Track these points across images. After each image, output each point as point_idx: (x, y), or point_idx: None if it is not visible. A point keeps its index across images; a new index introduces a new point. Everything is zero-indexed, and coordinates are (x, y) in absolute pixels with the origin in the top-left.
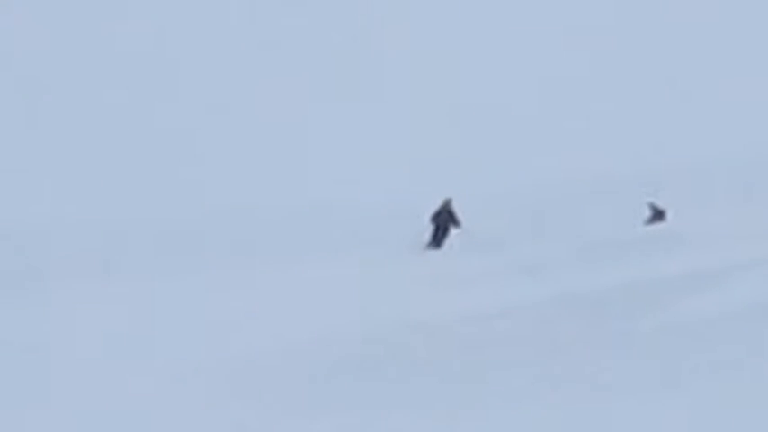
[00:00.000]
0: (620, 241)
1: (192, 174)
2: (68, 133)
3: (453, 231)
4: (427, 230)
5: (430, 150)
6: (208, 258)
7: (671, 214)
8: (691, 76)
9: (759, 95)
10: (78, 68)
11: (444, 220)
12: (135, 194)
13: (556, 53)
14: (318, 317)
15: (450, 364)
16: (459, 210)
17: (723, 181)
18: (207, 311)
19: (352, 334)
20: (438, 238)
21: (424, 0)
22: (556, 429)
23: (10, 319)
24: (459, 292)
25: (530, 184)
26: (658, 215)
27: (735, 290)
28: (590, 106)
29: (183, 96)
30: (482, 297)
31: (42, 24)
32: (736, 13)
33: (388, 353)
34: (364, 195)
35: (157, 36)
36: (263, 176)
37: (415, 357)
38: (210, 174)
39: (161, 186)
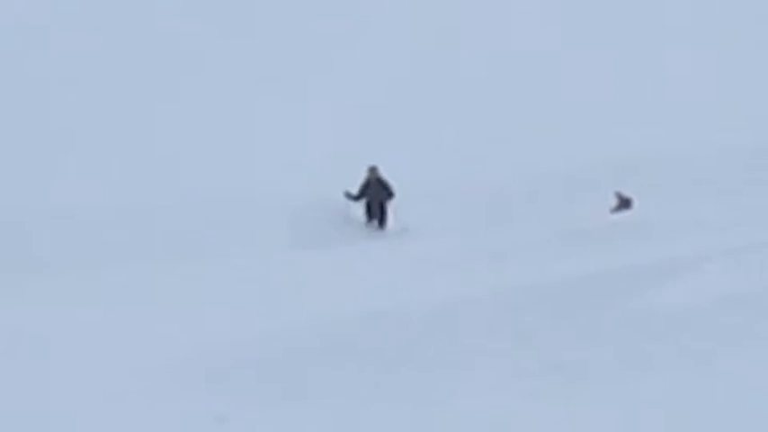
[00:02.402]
0: (589, 230)
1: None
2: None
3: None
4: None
5: (398, 136)
6: (156, 249)
7: (638, 203)
8: (659, 65)
9: (726, 86)
10: None
11: (376, 193)
12: (90, 183)
13: (520, 36)
14: (279, 308)
15: (412, 354)
16: (433, 199)
17: (691, 171)
18: (166, 303)
19: (315, 326)
20: (373, 213)
21: None
22: (523, 419)
23: None
24: (423, 279)
25: (498, 172)
26: (625, 203)
27: (703, 281)
28: (557, 95)
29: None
30: (447, 285)
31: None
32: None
33: (351, 343)
34: (315, 187)
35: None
36: (210, 169)
37: (377, 347)
38: (150, 164)
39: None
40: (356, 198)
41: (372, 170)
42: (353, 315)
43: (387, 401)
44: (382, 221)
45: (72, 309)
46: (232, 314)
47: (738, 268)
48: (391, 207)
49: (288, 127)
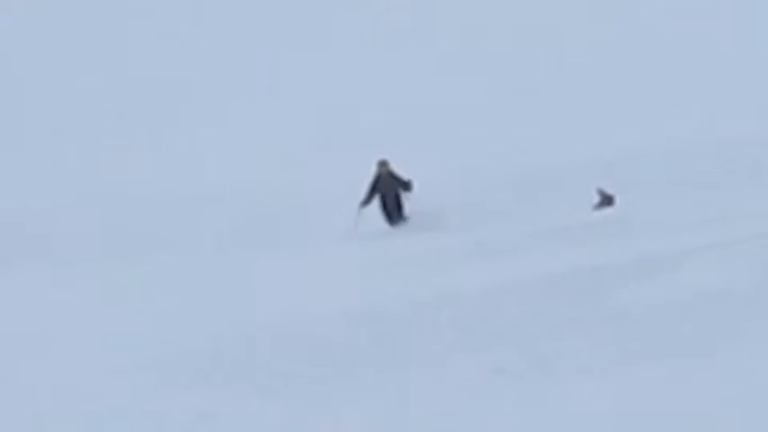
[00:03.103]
0: (571, 226)
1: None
2: None
3: (407, 197)
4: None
5: (383, 130)
6: (138, 245)
7: (619, 200)
8: (641, 62)
9: (708, 83)
10: None
11: (388, 188)
12: (73, 179)
13: (507, 38)
14: (261, 305)
15: (393, 351)
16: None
17: (673, 167)
18: (148, 299)
19: (296, 323)
20: (390, 210)
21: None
22: (506, 415)
23: None
24: (404, 276)
25: (480, 168)
26: (606, 200)
27: (684, 276)
28: (541, 91)
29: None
30: (430, 282)
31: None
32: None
33: (333, 340)
34: (313, 178)
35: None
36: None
37: (359, 345)
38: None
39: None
40: (368, 199)
41: (382, 164)
42: (334, 312)
43: (367, 398)
44: (400, 212)
45: (53, 302)
46: (214, 311)
47: (721, 263)
48: (407, 200)
49: (277, 124)
